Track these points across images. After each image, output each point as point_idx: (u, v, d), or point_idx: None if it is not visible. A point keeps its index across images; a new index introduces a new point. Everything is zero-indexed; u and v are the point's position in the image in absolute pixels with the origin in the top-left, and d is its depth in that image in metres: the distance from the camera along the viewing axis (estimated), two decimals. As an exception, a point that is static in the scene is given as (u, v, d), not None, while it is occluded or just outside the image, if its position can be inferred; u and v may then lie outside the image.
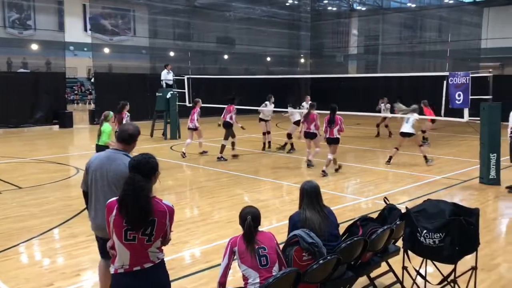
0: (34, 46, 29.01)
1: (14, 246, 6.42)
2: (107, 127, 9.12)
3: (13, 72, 25.52)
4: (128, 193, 3.12)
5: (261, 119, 14.92)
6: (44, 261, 6.04)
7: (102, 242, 4.11)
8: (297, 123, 14.07)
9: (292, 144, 14.35)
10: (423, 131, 16.22)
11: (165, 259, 3.42)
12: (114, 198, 3.25)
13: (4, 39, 28.27)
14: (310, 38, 35.35)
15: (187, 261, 6.01)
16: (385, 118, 17.55)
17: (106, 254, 3.73)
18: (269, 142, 14.95)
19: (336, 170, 11.43)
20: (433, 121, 15.96)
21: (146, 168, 3.25)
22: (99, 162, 4.00)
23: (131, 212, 3.10)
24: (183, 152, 13.30)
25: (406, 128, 12.07)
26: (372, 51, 33.94)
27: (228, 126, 13.17)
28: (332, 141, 11.05)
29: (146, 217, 3.12)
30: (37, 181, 10.28)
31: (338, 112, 11.24)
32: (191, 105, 14.66)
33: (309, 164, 12.01)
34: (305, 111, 14.63)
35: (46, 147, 14.02)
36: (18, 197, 9.07)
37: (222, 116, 13.45)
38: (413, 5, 34.04)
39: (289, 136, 14.33)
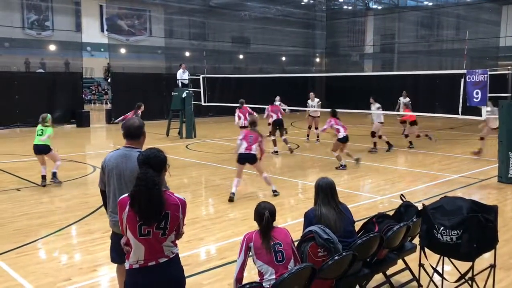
0: (52, 47, 29.34)
1: (33, 242, 6.52)
2: (49, 128, 9.74)
3: (31, 72, 25.91)
4: (141, 188, 3.12)
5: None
6: (61, 256, 6.11)
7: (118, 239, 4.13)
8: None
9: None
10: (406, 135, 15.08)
11: (181, 255, 3.42)
12: (126, 195, 3.25)
13: (22, 40, 28.64)
14: (325, 37, 35.24)
15: (202, 257, 6.04)
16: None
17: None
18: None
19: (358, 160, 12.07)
20: (413, 123, 14.71)
21: (156, 162, 3.26)
22: (115, 161, 3.99)
23: (144, 207, 3.10)
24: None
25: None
26: (388, 50, 33.66)
27: (281, 124, 14.24)
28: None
29: (159, 210, 3.13)
30: (55, 179, 10.41)
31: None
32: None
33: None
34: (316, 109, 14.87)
35: (63, 145, 14.10)
36: (36, 194, 9.22)
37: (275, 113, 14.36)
38: (430, 3, 33.65)
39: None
